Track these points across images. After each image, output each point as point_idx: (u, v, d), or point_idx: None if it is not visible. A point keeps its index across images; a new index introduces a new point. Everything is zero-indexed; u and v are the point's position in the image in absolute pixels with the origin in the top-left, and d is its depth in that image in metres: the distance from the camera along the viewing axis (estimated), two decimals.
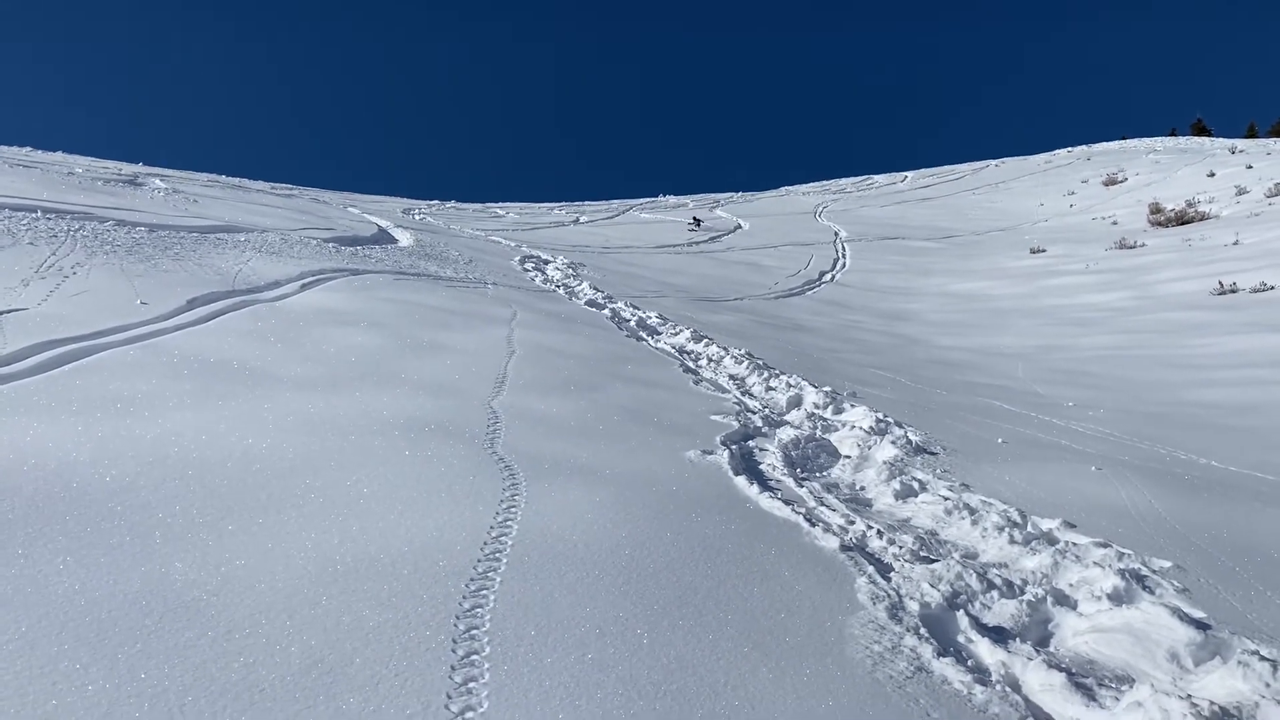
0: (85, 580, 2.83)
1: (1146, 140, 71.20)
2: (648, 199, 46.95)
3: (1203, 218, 29.85)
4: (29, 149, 20.37)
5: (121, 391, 4.87)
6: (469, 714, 2.37)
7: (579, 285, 14.84)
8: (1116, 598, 3.76)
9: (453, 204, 36.71)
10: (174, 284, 8.00)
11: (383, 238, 17.19)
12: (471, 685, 2.50)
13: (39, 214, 10.06)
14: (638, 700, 2.54)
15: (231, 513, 3.50)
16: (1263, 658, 3.14)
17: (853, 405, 7.42)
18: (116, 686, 2.33)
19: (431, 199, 37.06)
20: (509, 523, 3.70)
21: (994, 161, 68.82)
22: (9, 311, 6.02)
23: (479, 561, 3.29)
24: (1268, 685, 3.01)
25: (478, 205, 38.63)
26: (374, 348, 6.97)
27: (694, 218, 32.10)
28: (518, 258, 18.31)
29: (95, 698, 2.27)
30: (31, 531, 3.12)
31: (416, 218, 26.55)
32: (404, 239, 17.51)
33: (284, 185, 29.81)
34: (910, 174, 64.46)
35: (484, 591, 3.06)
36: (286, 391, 5.38)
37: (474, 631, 2.79)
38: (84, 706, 2.24)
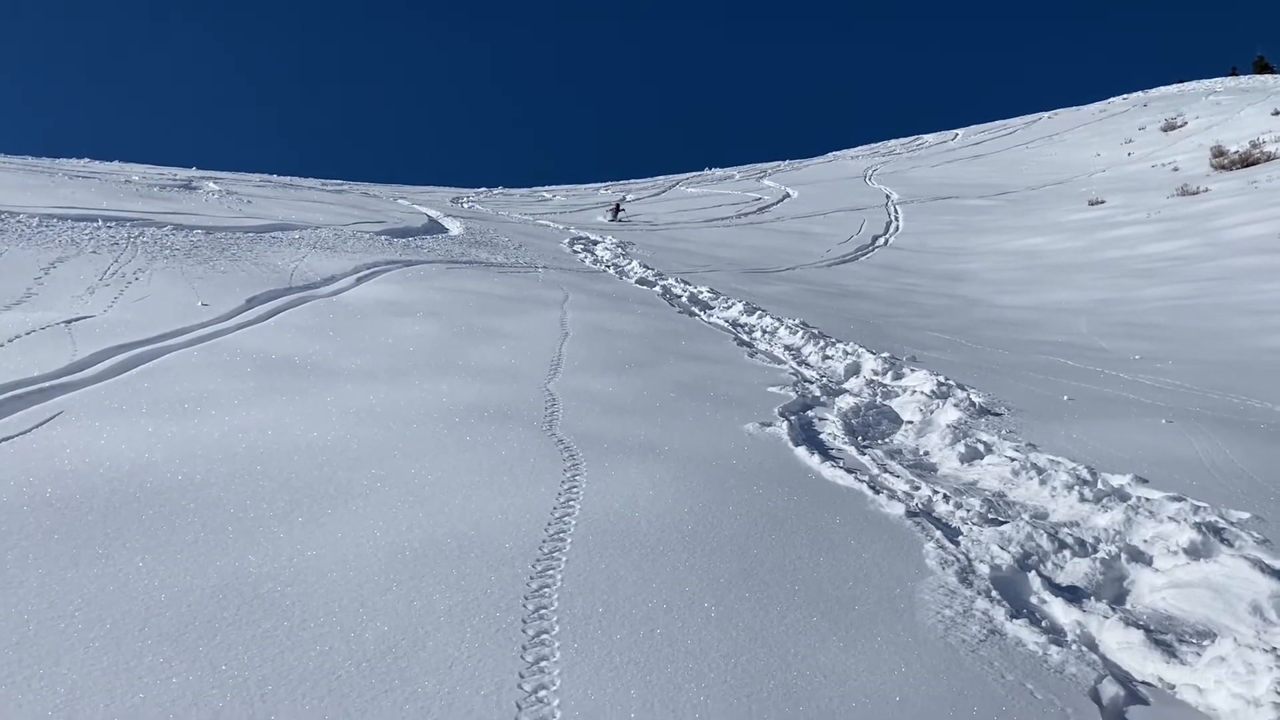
0: (164, 577, 2.90)
1: (1206, 82, 68.89)
2: (693, 173, 46.69)
3: (1269, 158, 28.85)
4: (86, 160, 20.85)
5: (188, 392, 4.99)
6: (542, 692, 2.39)
7: (628, 264, 14.83)
8: (1193, 552, 3.67)
9: (500, 190, 36.88)
10: (232, 284, 8.16)
11: (433, 228, 17.33)
12: (543, 664, 2.53)
13: (100, 223, 10.31)
14: (708, 673, 2.54)
15: (300, 505, 3.57)
16: None
17: (912, 370, 7.33)
18: (199, 679, 2.39)
19: (479, 187, 37.28)
20: (571, 503, 3.72)
21: (1047, 114, 67.17)
22: (77, 320, 6.19)
23: (544, 542, 3.32)
24: None
25: (525, 190, 38.77)
26: (431, 337, 7.04)
27: (616, 204, 27.36)
28: (567, 240, 18.35)
29: (179, 690, 2.34)
30: (110, 532, 3.21)
31: (465, 206, 26.73)
32: (454, 228, 17.65)
33: (334, 181, 30.19)
34: (961, 131, 63.23)
35: (550, 572, 3.09)
36: (348, 384, 5.46)
37: (543, 611, 2.81)
38: (169, 699, 2.30)
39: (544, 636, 2.67)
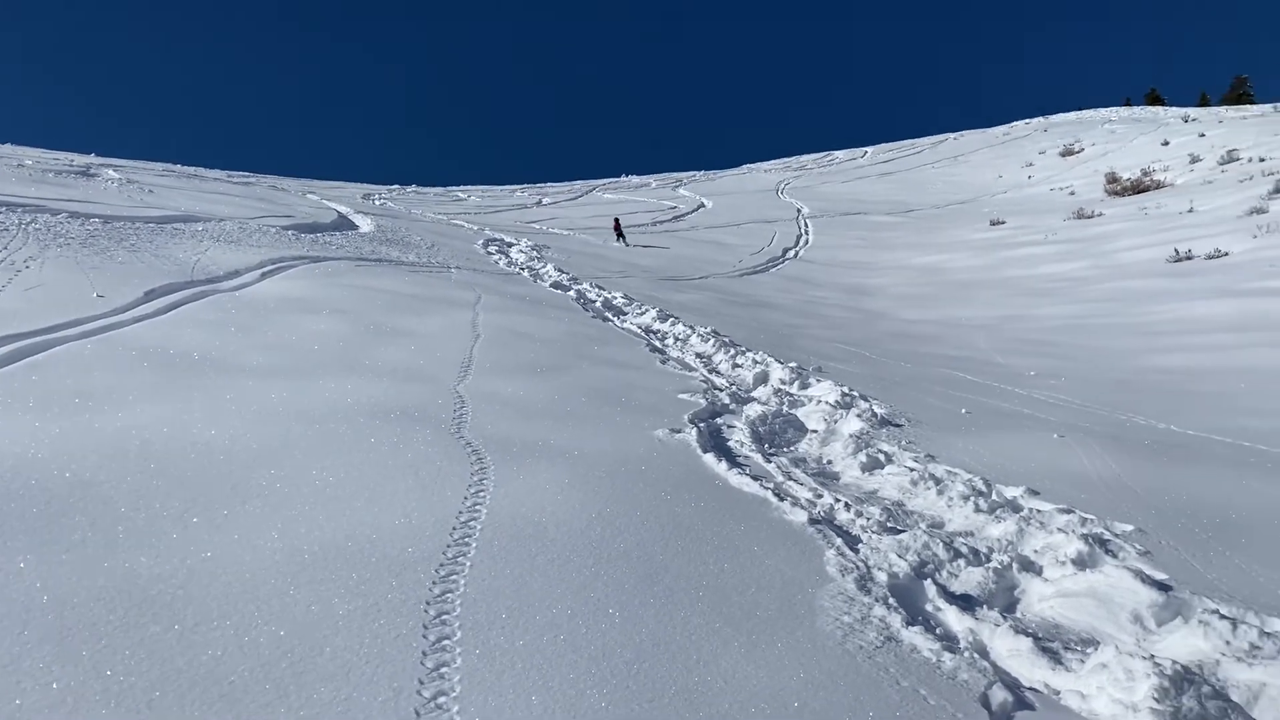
0: (47, 578, 2.78)
1: (1103, 110, 71.97)
2: (610, 179, 46.80)
3: (1158, 186, 30.26)
4: None
5: (79, 386, 4.79)
6: (441, 698, 2.36)
7: (543, 268, 14.79)
8: (1080, 562, 3.82)
9: (414, 188, 36.38)
10: (131, 275, 7.87)
11: (343, 224, 17.01)
12: (444, 670, 2.49)
13: None
14: (611, 679, 2.55)
15: (195, 505, 3.46)
16: (1223, 616, 3.21)
17: (819, 380, 7.46)
18: (82, 684, 2.29)
19: (392, 184, 36.73)
20: (478, 507, 3.69)
21: (953, 135, 69.27)
22: None
23: (448, 547, 3.28)
24: (1228, 643, 3.07)
25: (439, 189, 38.32)
26: (337, 335, 6.90)
27: (615, 222, 24.35)
28: (481, 241, 18.20)
29: (60, 696, 2.24)
30: None
31: (377, 203, 26.30)
32: (365, 225, 17.34)
33: (241, 173, 29.43)
34: (870, 149, 64.76)
35: (454, 577, 3.05)
36: (249, 381, 5.31)
37: (445, 617, 2.78)
38: (49, 705, 2.21)
39: (445, 642, 2.64)
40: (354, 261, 11.37)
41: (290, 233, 13.42)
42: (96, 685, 2.30)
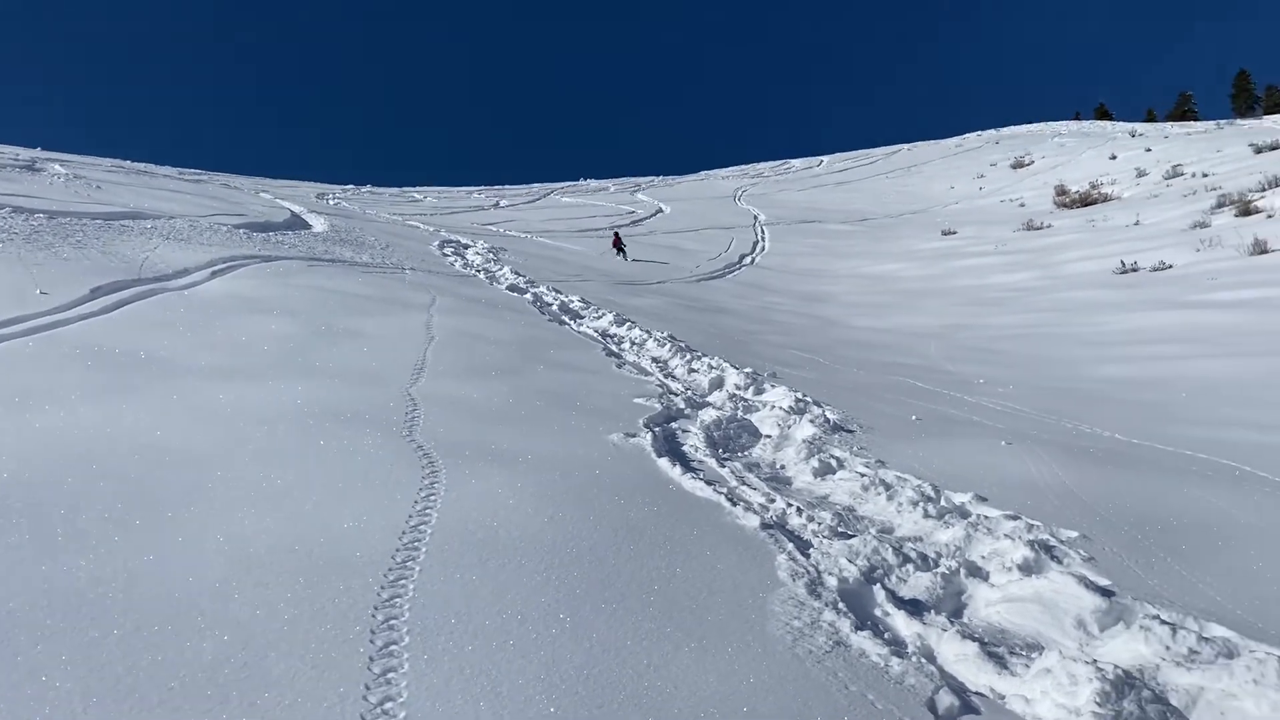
0: None
1: (1053, 124, 73.34)
2: (568, 183, 46.75)
3: (1105, 199, 30.89)
4: None
5: (20, 384, 4.68)
6: (388, 704, 2.34)
7: (500, 270, 14.71)
8: (1026, 568, 3.87)
9: (369, 189, 36.06)
10: (76, 273, 7.70)
11: (296, 223, 16.80)
12: (390, 676, 2.47)
13: None
14: (560, 685, 2.53)
15: (138, 508, 3.39)
16: (1163, 621, 3.27)
17: (773, 386, 7.50)
18: (15, 689, 2.24)
19: (347, 184, 36.37)
20: (428, 511, 3.65)
21: (907, 146, 70.14)
22: None
23: (397, 551, 3.24)
24: (1168, 648, 3.13)
25: (395, 189, 38.01)
26: (288, 336, 6.81)
27: (615, 235, 23.04)
28: (437, 243, 18.07)
29: None
30: None
31: (331, 203, 26.02)
32: (318, 224, 17.14)
33: (193, 170, 28.97)
34: (826, 158, 65.37)
35: (403, 581, 3.02)
36: (197, 382, 5.22)
37: (393, 622, 2.75)
38: None
39: (393, 648, 2.61)
40: (307, 261, 11.23)
41: (242, 231, 13.22)
42: (31, 690, 2.24)
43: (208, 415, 4.62)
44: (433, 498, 3.81)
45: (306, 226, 16.64)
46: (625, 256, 21.43)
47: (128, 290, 7.54)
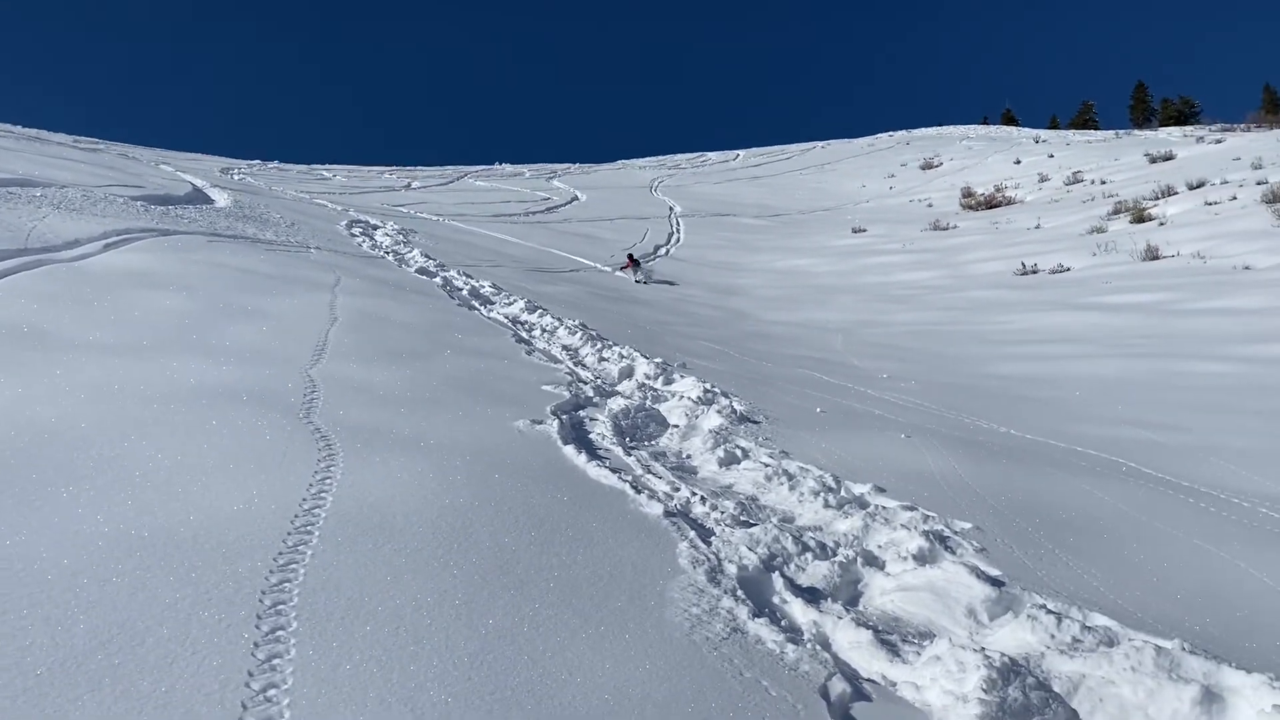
0: None
1: (961, 127, 75.26)
2: (483, 166, 46.24)
3: (1009, 202, 31.84)
4: None
5: None
6: (271, 691, 2.26)
7: (409, 252, 14.46)
8: (921, 558, 3.96)
9: (275, 165, 35.10)
10: None
11: (197, 197, 16.23)
12: (275, 662, 2.38)
13: None
14: (453, 671, 2.49)
15: (11, 486, 3.22)
16: (1049, 611, 3.38)
17: (682, 376, 7.53)
18: None
19: (253, 159, 35.33)
20: (323, 495, 3.55)
21: (821, 143, 71.21)
22: None
23: (289, 535, 3.14)
24: (1053, 636, 3.23)
25: (303, 166, 37.08)
26: (183, 312, 6.56)
27: (629, 257, 18.85)
28: (345, 222, 17.67)
29: None
30: None
31: (235, 178, 25.24)
32: (221, 199, 16.60)
33: (89, 139, 27.80)
34: (742, 152, 65.95)
35: (293, 565, 2.93)
36: (83, 357, 4.99)
37: (280, 607, 2.66)
38: None
39: (280, 633, 2.52)
40: (207, 237, 10.85)
41: (139, 204, 12.71)
42: None
43: (93, 393, 4.41)
44: (328, 481, 3.71)
45: (209, 201, 16.09)
46: (643, 277, 17.73)
47: (12, 260, 7.18)
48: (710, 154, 64.59)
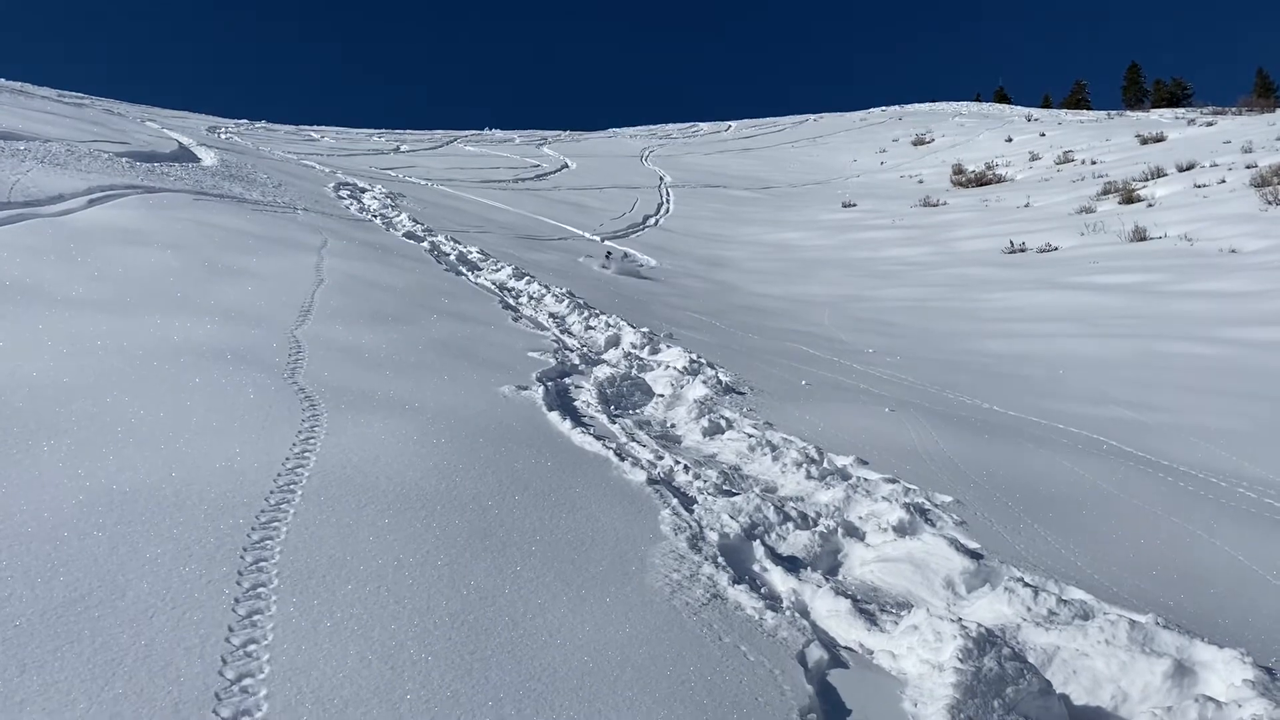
0: None
1: (954, 104, 75.06)
2: (473, 131, 45.91)
3: (999, 180, 31.85)
4: None
5: None
6: (251, 646, 2.26)
7: (397, 216, 14.36)
8: (901, 529, 3.99)
9: (263, 124, 34.78)
10: None
11: (183, 155, 16.07)
12: (256, 618, 2.39)
13: None
14: (434, 630, 2.50)
15: None
16: (1026, 584, 3.41)
17: (668, 346, 7.53)
18: None
19: (241, 119, 34.99)
20: (306, 454, 3.55)
21: (813, 116, 70.90)
22: None
23: (271, 493, 3.14)
24: (1029, 609, 3.27)
25: (290, 127, 36.74)
26: (168, 270, 6.52)
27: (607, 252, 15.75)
28: (332, 184, 17.53)
29: None
30: None
31: (223, 137, 25.01)
32: (207, 158, 16.44)
33: (74, 94, 27.47)
34: (734, 124, 65.59)
35: (275, 523, 2.93)
36: (65, 313, 4.96)
37: (262, 564, 2.66)
38: None
39: (260, 590, 2.53)
40: (193, 195, 10.75)
41: (125, 160, 12.58)
42: None
43: (76, 348, 4.38)
44: (312, 441, 3.71)
45: (195, 160, 15.93)
46: (611, 265, 14.25)
47: None
48: (702, 124, 64.23)
